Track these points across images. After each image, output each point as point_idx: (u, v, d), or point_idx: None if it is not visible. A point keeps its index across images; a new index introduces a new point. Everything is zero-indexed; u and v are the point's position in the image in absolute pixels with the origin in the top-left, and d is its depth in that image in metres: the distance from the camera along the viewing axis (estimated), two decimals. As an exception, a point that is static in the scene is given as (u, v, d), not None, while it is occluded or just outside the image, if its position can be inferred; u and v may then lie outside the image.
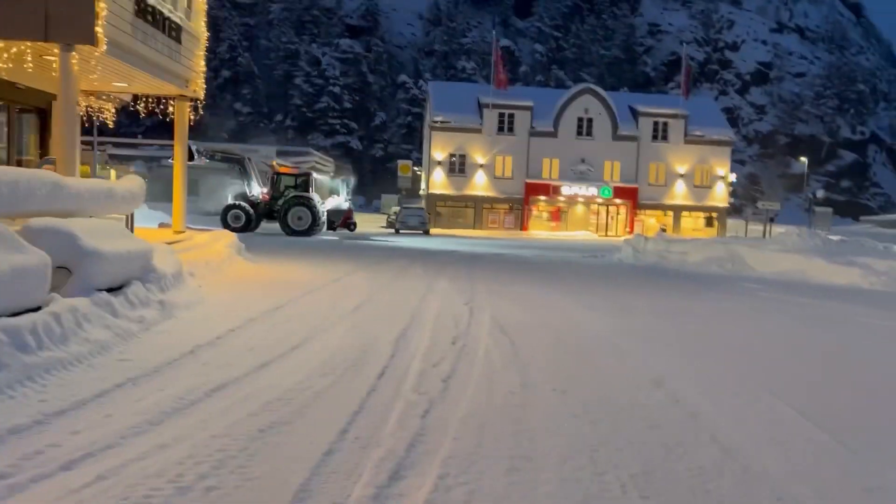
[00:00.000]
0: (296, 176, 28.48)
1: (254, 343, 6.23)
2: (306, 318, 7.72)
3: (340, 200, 30.00)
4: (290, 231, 26.64)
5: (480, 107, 43.10)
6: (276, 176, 28.55)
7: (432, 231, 36.89)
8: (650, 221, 43.85)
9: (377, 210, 65.73)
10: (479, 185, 43.01)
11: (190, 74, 11.94)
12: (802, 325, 9.42)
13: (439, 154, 42.75)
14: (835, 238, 23.88)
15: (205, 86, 12.66)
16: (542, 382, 5.39)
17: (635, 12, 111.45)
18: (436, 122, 42.62)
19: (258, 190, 27.86)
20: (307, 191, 27.59)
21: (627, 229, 43.20)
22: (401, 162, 57.07)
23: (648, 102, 46.31)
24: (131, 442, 3.54)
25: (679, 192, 44.30)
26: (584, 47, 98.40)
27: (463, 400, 4.75)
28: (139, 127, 69.69)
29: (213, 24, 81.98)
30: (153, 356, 5.40)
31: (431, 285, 11.74)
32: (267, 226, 27.87)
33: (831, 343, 8.07)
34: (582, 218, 43.95)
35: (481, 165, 42.88)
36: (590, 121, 43.17)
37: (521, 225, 43.09)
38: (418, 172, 52.51)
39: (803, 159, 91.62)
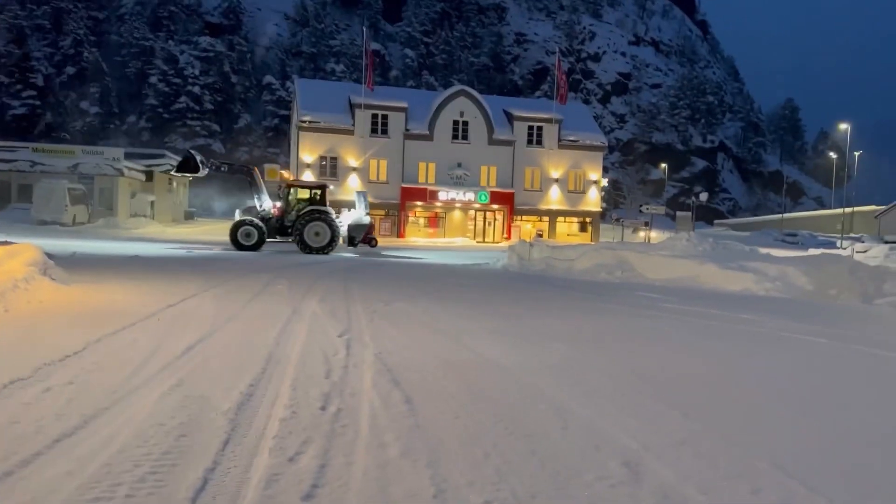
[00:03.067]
0: (310, 188, 25.85)
1: (-15, 437, 3.82)
2: (105, 373, 5.32)
3: (361, 214, 26.85)
4: (306, 248, 23.90)
5: (352, 107, 40.80)
6: (287, 188, 25.75)
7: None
8: (526, 227, 43.25)
9: (242, 217, 61.67)
10: (353, 189, 40.70)
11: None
12: (735, 346, 8.05)
13: (308, 156, 40.03)
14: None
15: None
16: (465, 486, 3.42)
17: (502, 21, 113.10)
18: (304, 121, 39.87)
19: (269, 204, 24.98)
20: (324, 204, 24.97)
21: (505, 235, 42.37)
22: (267, 166, 53.52)
23: (522, 107, 45.79)
24: None
25: (554, 198, 44.01)
26: (454, 53, 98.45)
27: (340, 552, 2.69)
28: (-38, 126, 61.88)
29: (56, 17, 74.60)
30: None
31: (298, 308, 9.53)
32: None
33: (790, 373, 6.64)
34: (459, 224, 42.65)
35: (354, 169, 40.57)
36: (465, 124, 41.97)
37: (398, 231, 41.17)
38: (287, 177, 49.42)
39: (664, 166, 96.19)
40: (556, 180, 43.83)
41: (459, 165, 41.92)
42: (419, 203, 41.58)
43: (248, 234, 24.00)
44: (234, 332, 7.48)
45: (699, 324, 9.81)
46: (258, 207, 25.05)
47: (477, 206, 42.32)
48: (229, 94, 79.08)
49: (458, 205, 42.12)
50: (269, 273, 14.93)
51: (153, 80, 75.74)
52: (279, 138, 74.97)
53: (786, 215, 76.55)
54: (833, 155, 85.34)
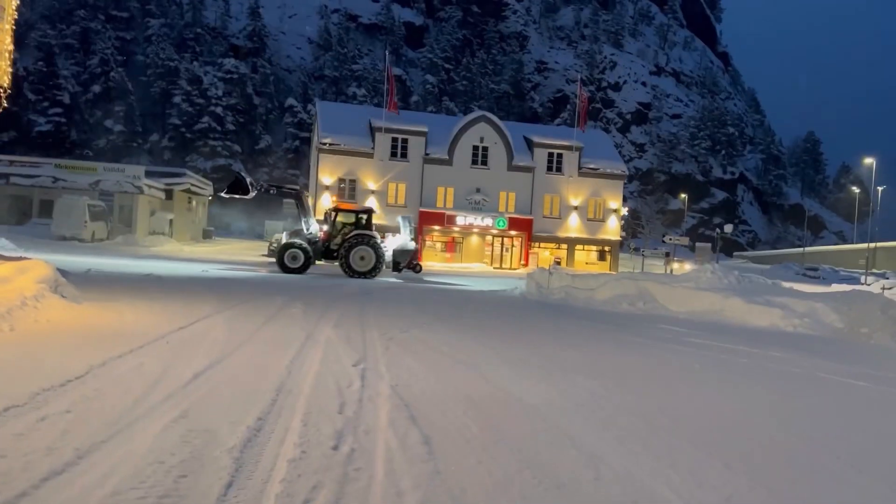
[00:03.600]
0: (356, 212, 26.06)
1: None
2: (106, 401, 5.02)
3: (406, 239, 27.04)
4: (351, 272, 24.04)
5: (372, 130, 40.83)
6: (334, 212, 26.01)
7: (319, 261, 34.04)
8: (544, 254, 42.81)
9: (261, 237, 61.93)
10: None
11: (-14, 52, 8.94)
12: (772, 388, 7.61)
13: (327, 178, 40.00)
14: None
15: (10, 69, 9.63)
16: (494, 547, 3.06)
17: (523, 49, 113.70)
18: (324, 143, 39.89)
19: (315, 227, 25.17)
20: (370, 228, 25.08)
21: (522, 262, 41.97)
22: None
23: (543, 133, 45.61)
24: None
25: (573, 225, 43.60)
26: (475, 80, 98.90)
27: None
28: (-12, 141, 62.72)
29: (84, 37, 75.77)
30: None
31: (312, 333, 9.22)
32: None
33: (835, 420, 6.20)
34: (477, 249, 42.32)
35: (373, 192, 40.45)
36: (485, 149, 41.82)
37: (416, 255, 40.88)
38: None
39: (684, 196, 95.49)
40: (576, 208, 43.47)
41: (478, 191, 41.72)
42: (437, 227, 41.35)
43: (294, 257, 24.07)
44: (245, 358, 7.18)
45: (730, 361, 9.37)
46: (305, 230, 25.08)
47: (495, 231, 42.01)
48: (251, 115, 79.81)
49: (475, 230, 41.85)
50: (284, 295, 14.65)
51: (177, 99, 76.62)
52: (299, 160, 75.40)
53: (807, 249, 75.44)
54: (855, 189, 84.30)
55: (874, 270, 52.08)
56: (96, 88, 75.11)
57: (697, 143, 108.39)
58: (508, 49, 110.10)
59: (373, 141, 40.63)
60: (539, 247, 43.32)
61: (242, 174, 25.66)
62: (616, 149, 52.20)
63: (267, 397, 5.45)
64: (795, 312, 15.44)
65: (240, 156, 76.75)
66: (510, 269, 40.98)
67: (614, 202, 44.32)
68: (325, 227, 25.36)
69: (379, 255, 24.35)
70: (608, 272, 34.29)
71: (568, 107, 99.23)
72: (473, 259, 41.84)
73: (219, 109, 76.20)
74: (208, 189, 56.64)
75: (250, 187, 24.41)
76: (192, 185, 50.17)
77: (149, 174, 43.77)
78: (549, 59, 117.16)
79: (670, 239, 34.36)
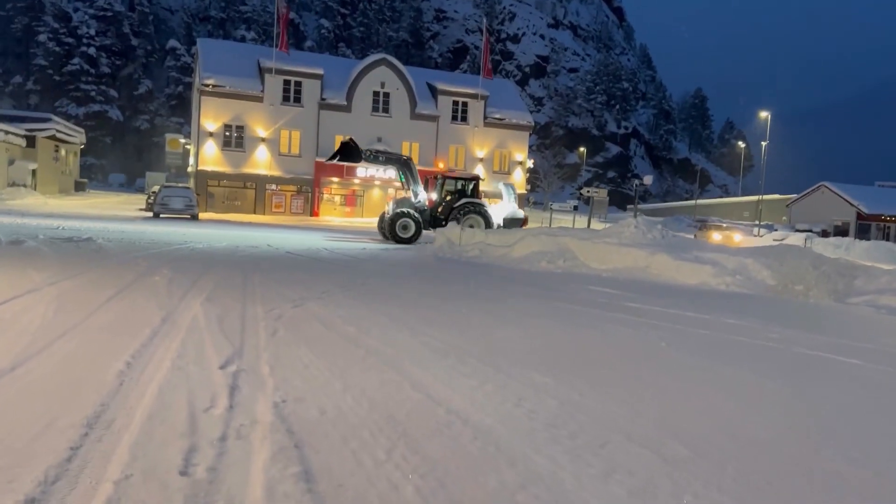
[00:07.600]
0: (463, 179, 25.06)
1: None
2: None
3: (513, 207, 25.85)
4: None
5: (262, 72, 37.34)
6: (439, 179, 24.61)
7: (202, 216, 30.92)
8: (449, 208, 41.10)
9: (141, 190, 57.04)
10: (261, 162, 37.33)
11: None
12: (769, 377, 6.13)
13: (211, 124, 36.34)
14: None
15: None
16: None
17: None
18: (206, 85, 36.09)
19: (424, 195, 24.33)
20: (476, 196, 24.48)
21: (426, 216, 40.12)
22: (169, 136, 49.57)
23: (447, 80, 43.41)
24: None
25: (478, 177, 42.02)
26: (372, 26, 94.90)
27: None
28: None
29: (-71, -37, 66.29)
30: None
31: (173, 313, 6.99)
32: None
33: (871, 423, 4.70)
34: (378, 203, 40.03)
35: (263, 139, 37.18)
36: (386, 95, 39.25)
37: (312, 210, 38.17)
38: (189, 147, 45.36)
39: (582, 150, 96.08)
40: (481, 159, 41.83)
41: (379, 140, 39.26)
42: (335, 179, 38.69)
43: (405, 227, 23.25)
44: (60, 359, 4.91)
45: (691, 334, 7.87)
46: (413, 199, 24.13)
47: (398, 184, 39.81)
48: (129, 57, 73.10)
49: (377, 182, 39.50)
50: (149, 260, 12.13)
51: (42, 38, 68.96)
52: (184, 107, 69.94)
53: (697, 202, 77.68)
54: (741, 144, 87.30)
55: (757, 222, 53.73)
56: (-56, 22, 66.52)
57: (593, 98, 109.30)
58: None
59: (262, 83, 37.23)
60: (443, 200, 41.55)
61: (352, 140, 24.21)
62: (521, 99, 50.80)
63: (65, 440, 3.31)
64: (726, 269, 14.42)
65: (117, 101, 70.41)
66: (413, 223, 39.05)
67: (520, 154, 43.00)
68: (432, 195, 24.50)
69: (489, 224, 23.78)
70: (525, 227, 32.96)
71: (468, 57, 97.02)
72: (375, 213, 39.59)
73: (91, 50, 69.28)
74: (80, 136, 51.19)
75: (362, 153, 23.68)
76: (59, 131, 45.01)
77: (4, 118, 38.65)
78: (448, 8, 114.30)
79: (587, 191, 33.41)
